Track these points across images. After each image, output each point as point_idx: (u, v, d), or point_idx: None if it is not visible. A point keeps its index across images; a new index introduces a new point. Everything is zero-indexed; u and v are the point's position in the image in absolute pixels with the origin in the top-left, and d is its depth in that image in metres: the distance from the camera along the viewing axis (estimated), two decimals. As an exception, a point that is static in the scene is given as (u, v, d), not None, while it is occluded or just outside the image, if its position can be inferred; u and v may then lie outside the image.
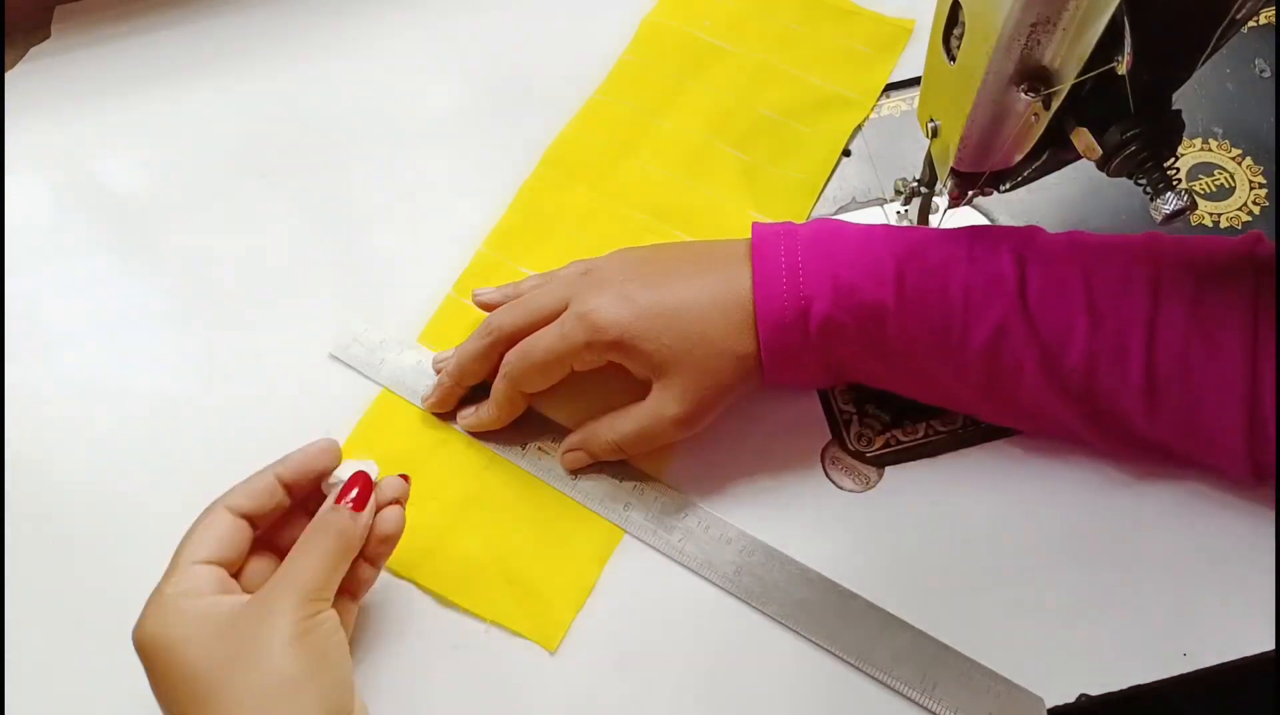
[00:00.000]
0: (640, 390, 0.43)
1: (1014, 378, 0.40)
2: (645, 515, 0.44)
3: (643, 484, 0.44)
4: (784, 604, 0.41)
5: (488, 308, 0.46)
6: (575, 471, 0.45)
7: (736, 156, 0.53)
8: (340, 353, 0.48)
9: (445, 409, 0.46)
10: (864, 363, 0.42)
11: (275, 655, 0.33)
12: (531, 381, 0.43)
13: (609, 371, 0.44)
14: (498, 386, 0.44)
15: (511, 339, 0.43)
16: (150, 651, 0.34)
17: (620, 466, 0.45)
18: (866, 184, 0.52)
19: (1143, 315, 0.39)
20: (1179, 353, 0.38)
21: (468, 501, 0.45)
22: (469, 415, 0.46)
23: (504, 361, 0.44)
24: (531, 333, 0.43)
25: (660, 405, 0.42)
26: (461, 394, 0.46)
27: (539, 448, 0.45)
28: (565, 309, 0.42)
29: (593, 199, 0.52)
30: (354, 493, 0.38)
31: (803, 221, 0.46)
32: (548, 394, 0.44)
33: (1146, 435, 0.40)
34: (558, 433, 0.46)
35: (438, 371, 0.46)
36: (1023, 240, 0.41)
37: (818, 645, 0.41)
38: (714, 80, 0.55)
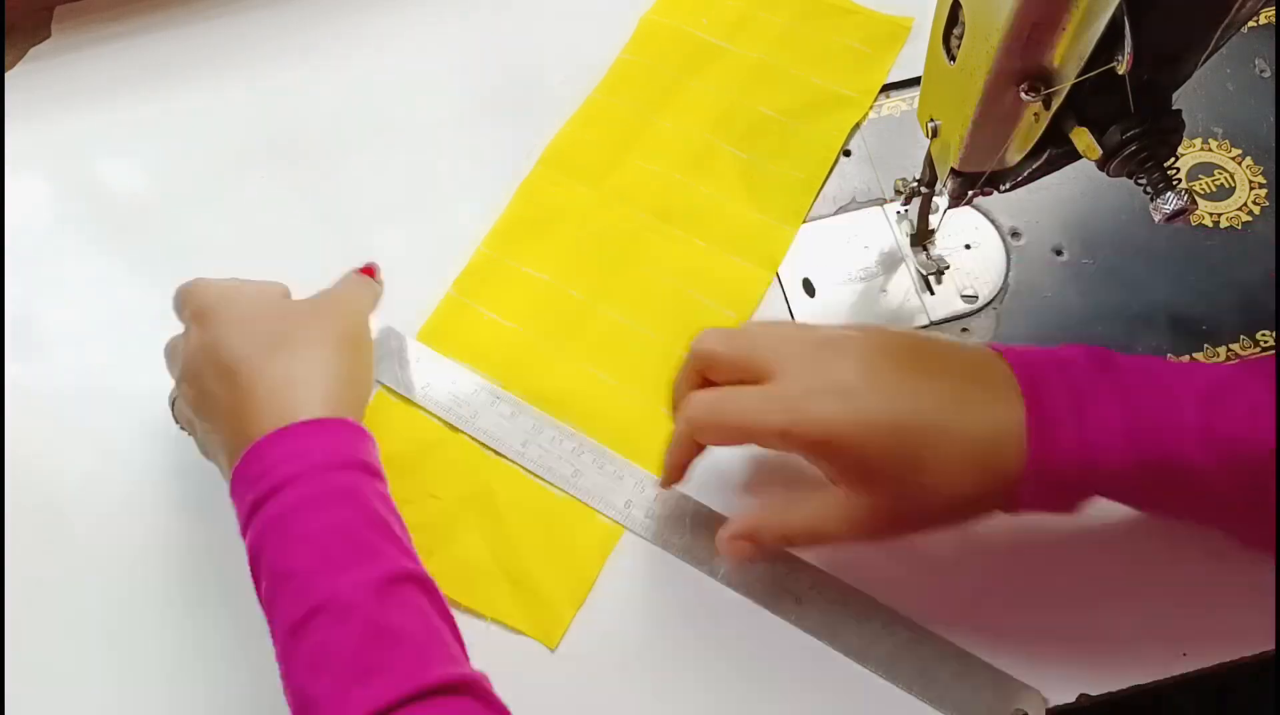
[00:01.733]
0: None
1: None
2: (646, 512, 0.44)
3: (644, 481, 0.44)
4: (783, 601, 0.41)
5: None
6: (732, 557, 0.40)
7: (735, 155, 0.53)
8: None
9: (677, 480, 0.42)
10: (1143, 504, 0.37)
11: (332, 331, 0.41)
12: (710, 437, 0.39)
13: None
14: (676, 426, 0.40)
15: (714, 367, 0.39)
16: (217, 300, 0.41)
17: (624, 465, 0.45)
18: (866, 184, 0.52)
19: None
20: None
21: (467, 501, 0.45)
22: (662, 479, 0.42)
23: (690, 402, 0.38)
24: (735, 376, 0.38)
25: (849, 516, 0.36)
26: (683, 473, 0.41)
27: (539, 447, 0.45)
28: (780, 371, 0.37)
29: (592, 198, 0.52)
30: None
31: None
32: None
33: None
34: (555, 431, 0.46)
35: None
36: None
37: (816, 638, 0.41)
38: (713, 79, 0.55)
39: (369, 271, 0.47)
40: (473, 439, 0.46)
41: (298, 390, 0.38)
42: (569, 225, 0.51)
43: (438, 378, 0.47)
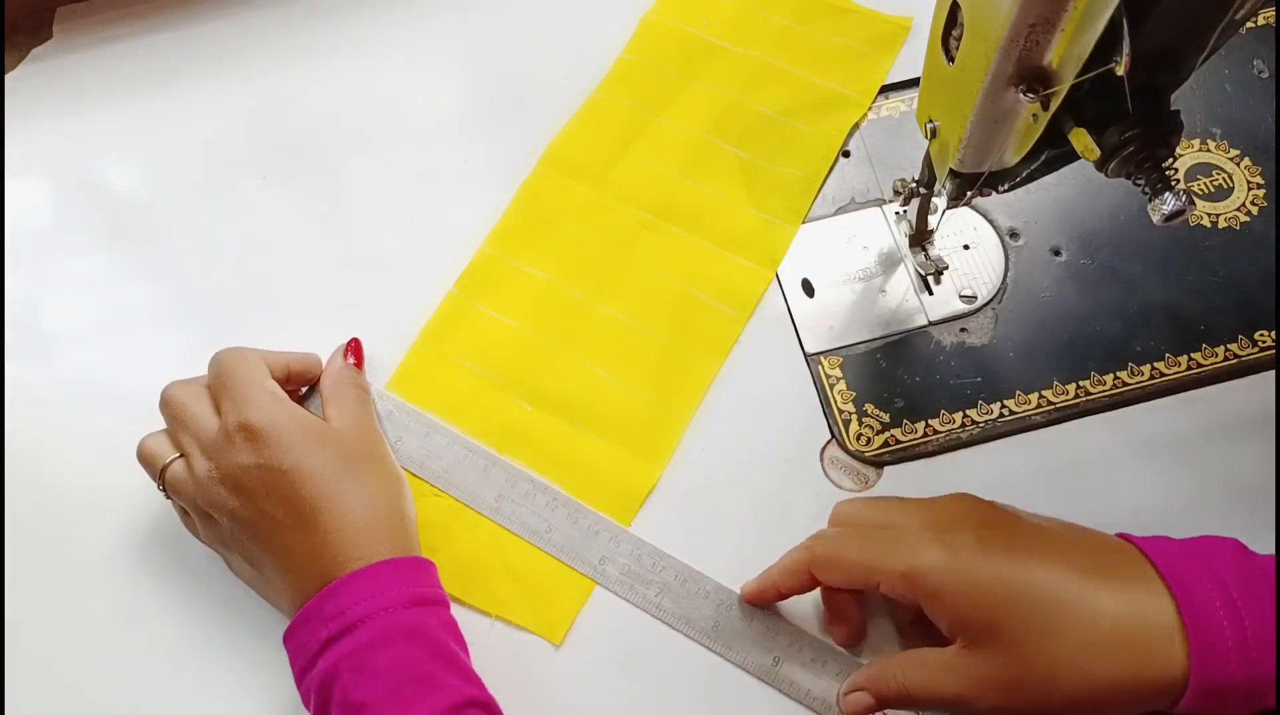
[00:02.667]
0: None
1: None
2: (620, 570, 0.43)
3: (619, 536, 0.44)
4: (762, 660, 0.41)
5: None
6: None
7: (735, 154, 0.53)
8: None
9: (756, 603, 0.42)
10: None
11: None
12: (827, 571, 0.39)
13: None
14: (796, 550, 0.40)
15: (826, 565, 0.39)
16: (267, 434, 0.40)
17: (597, 519, 0.44)
18: (865, 184, 0.52)
19: None
20: None
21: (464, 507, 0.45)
22: (750, 584, 0.42)
23: (818, 538, 0.40)
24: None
25: (962, 680, 0.36)
26: (776, 600, 0.42)
27: (511, 501, 0.45)
28: (904, 526, 0.38)
29: (592, 197, 0.52)
30: (351, 359, 0.47)
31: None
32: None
33: None
34: (529, 485, 0.45)
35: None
36: None
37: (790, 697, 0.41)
38: (713, 78, 0.55)
39: (356, 348, 0.47)
40: (446, 493, 0.45)
41: (373, 530, 0.39)
42: (570, 225, 0.52)
43: (408, 432, 0.46)
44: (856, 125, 0.54)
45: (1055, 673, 0.34)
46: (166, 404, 0.43)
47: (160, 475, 0.42)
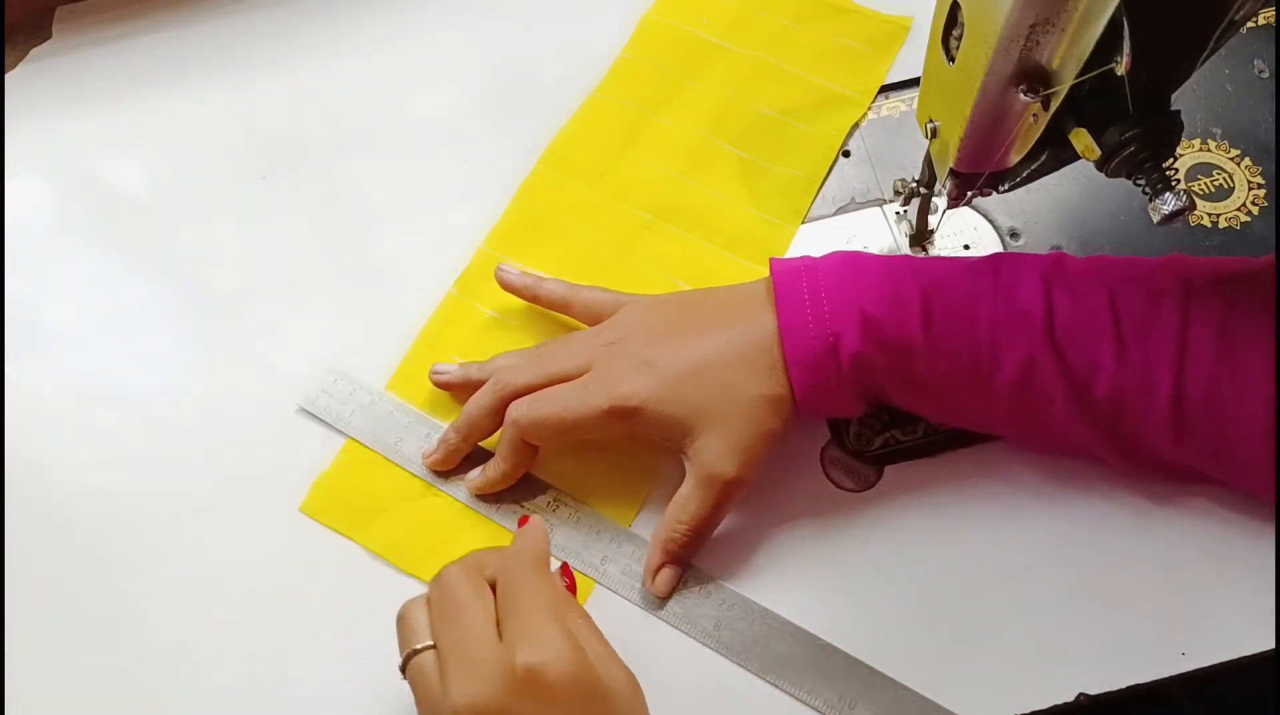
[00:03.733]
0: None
1: (1043, 409, 0.40)
2: (622, 570, 0.43)
3: (620, 536, 0.44)
4: (764, 660, 0.41)
5: (448, 387, 0.46)
6: (668, 593, 0.42)
7: (735, 154, 0.53)
8: (309, 405, 0.47)
9: (449, 466, 0.45)
10: (897, 392, 0.42)
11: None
12: (540, 434, 0.42)
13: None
14: (504, 436, 0.43)
15: (522, 394, 0.43)
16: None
17: (598, 519, 0.44)
18: (866, 184, 0.52)
19: (1170, 346, 0.38)
20: (1206, 382, 0.38)
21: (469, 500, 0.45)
22: (475, 477, 0.44)
23: (512, 408, 0.42)
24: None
25: (707, 471, 0.41)
26: (466, 451, 0.44)
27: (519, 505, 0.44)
28: (584, 373, 0.42)
29: (592, 197, 0.52)
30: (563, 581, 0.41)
31: (807, 244, 0.46)
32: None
33: (1173, 461, 0.40)
34: (538, 488, 0.45)
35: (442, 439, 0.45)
36: (1048, 268, 0.41)
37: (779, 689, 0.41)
38: (712, 78, 0.55)
39: (566, 570, 0.41)
40: (444, 493, 0.45)
41: None
42: (569, 224, 0.52)
43: (409, 433, 0.46)
44: (856, 125, 0.54)
45: (743, 410, 0.40)
46: (442, 588, 0.36)
47: (406, 659, 0.36)
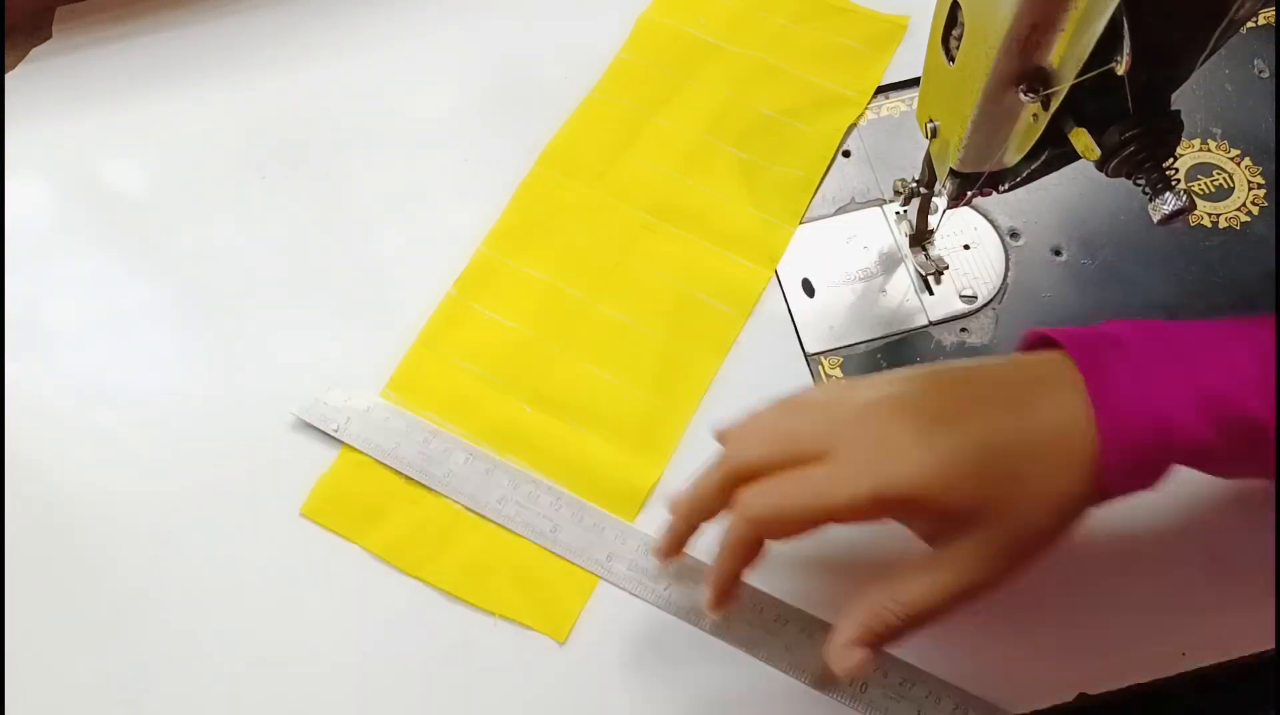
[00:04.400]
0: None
1: None
2: (628, 566, 0.43)
3: (625, 532, 0.44)
4: (772, 649, 0.41)
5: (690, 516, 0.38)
6: (858, 675, 0.37)
7: (733, 154, 0.53)
8: (305, 414, 0.47)
9: (675, 555, 0.40)
10: (1234, 473, 0.36)
11: None
12: (777, 529, 0.35)
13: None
14: (733, 529, 0.36)
15: (755, 477, 0.35)
16: None
17: (601, 516, 0.44)
18: (865, 184, 0.52)
19: None
20: None
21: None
22: (708, 597, 0.38)
23: (745, 501, 0.35)
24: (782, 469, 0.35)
25: (965, 568, 0.34)
26: (692, 535, 0.39)
27: (517, 503, 0.44)
28: (834, 446, 0.34)
29: (591, 197, 0.52)
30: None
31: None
32: None
33: None
34: (531, 486, 0.45)
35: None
36: None
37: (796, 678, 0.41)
38: (710, 78, 0.55)
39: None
40: (441, 495, 0.45)
41: None
42: (568, 225, 0.51)
43: (407, 438, 0.46)
44: (854, 124, 0.54)
45: (1037, 508, 0.34)
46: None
47: None
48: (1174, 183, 0.35)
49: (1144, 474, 0.35)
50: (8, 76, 0.57)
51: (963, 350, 0.48)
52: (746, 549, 0.36)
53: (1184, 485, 0.43)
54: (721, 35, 0.57)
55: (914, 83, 0.54)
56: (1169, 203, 0.35)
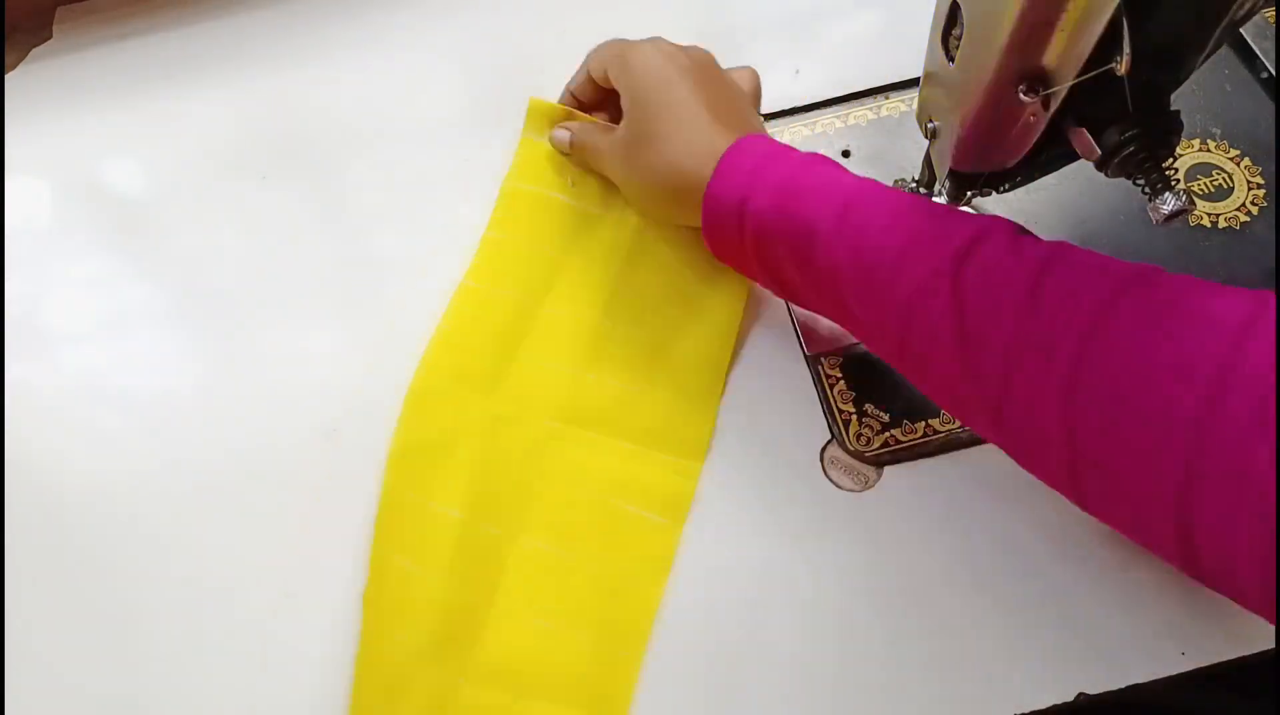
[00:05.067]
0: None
1: (928, 343, 0.37)
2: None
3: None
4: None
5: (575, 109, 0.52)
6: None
7: (634, 334, 0.48)
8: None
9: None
10: (791, 274, 0.42)
11: None
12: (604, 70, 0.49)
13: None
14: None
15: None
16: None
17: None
18: (866, 184, 0.52)
19: (1081, 328, 0.33)
20: (1109, 379, 0.32)
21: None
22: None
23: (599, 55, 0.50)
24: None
25: (615, 135, 0.47)
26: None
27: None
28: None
29: (489, 410, 0.46)
30: None
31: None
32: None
33: (1057, 435, 0.34)
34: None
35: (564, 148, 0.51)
36: (1001, 226, 0.37)
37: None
38: (592, 251, 0.49)
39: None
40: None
41: None
42: (469, 448, 0.44)
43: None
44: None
45: (656, 146, 0.44)
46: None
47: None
48: (1174, 183, 0.35)
49: (730, 233, 0.43)
50: (8, 76, 0.57)
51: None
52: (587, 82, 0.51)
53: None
54: (596, 201, 0.50)
55: (914, 83, 0.54)
56: (1169, 203, 0.35)
